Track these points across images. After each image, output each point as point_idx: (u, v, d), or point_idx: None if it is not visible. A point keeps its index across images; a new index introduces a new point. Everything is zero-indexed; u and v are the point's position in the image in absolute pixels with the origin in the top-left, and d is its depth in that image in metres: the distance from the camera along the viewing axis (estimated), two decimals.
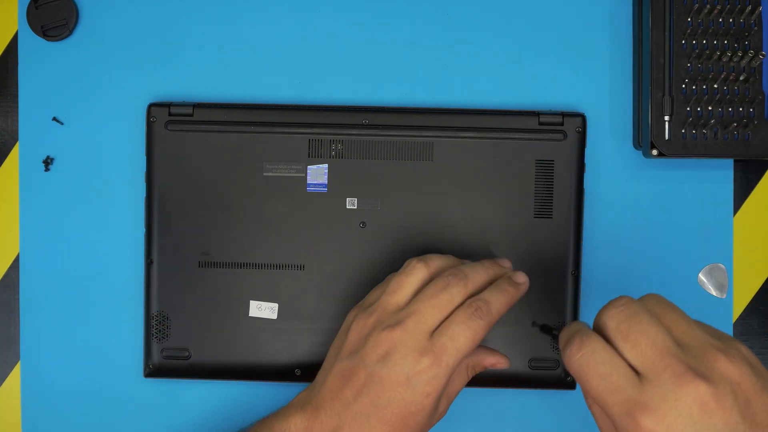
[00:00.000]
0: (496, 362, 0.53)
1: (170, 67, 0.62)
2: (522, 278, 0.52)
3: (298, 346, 0.60)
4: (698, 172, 0.62)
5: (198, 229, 0.60)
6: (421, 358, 0.48)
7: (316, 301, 0.60)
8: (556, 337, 0.48)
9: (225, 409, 0.62)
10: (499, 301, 0.50)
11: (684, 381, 0.39)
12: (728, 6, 0.58)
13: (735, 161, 0.62)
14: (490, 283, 0.52)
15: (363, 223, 0.60)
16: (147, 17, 0.62)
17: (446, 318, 0.49)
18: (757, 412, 0.39)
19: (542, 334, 0.53)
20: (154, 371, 0.60)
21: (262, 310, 0.60)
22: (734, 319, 0.62)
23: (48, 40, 0.62)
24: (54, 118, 0.61)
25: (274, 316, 0.60)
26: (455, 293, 0.50)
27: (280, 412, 0.52)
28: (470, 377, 0.53)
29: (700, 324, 0.43)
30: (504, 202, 0.60)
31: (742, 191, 0.63)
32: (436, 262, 0.52)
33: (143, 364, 0.61)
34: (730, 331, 0.62)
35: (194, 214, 0.60)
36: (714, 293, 0.62)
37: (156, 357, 0.60)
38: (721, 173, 0.62)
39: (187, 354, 0.60)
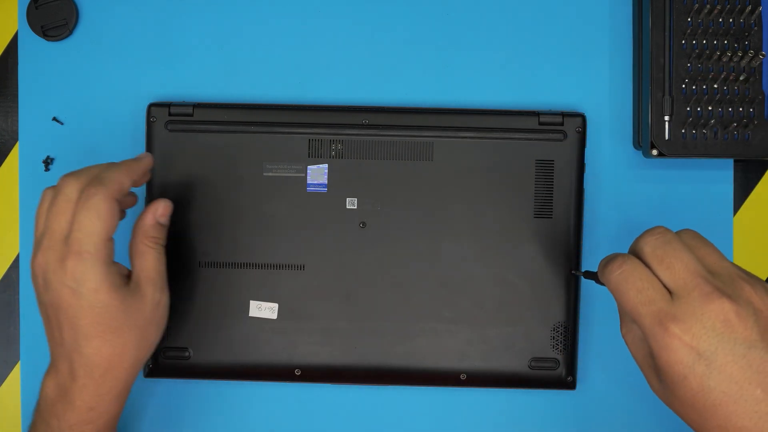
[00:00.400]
0: (155, 212, 0.54)
1: (170, 67, 0.62)
2: (143, 155, 0.55)
3: (298, 346, 0.60)
4: (698, 172, 0.62)
5: (198, 229, 0.60)
6: (65, 264, 0.49)
7: (316, 301, 0.60)
8: (595, 278, 0.51)
9: (225, 409, 0.62)
10: (113, 171, 0.51)
11: (711, 299, 0.43)
12: (728, 6, 0.58)
13: (735, 161, 0.62)
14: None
15: (363, 223, 0.60)
16: (147, 17, 0.62)
17: None
18: None
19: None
20: (154, 371, 0.60)
21: (262, 310, 0.60)
22: None
23: (48, 40, 0.62)
24: (54, 118, 0.61)
25: (274, 316, 0.60)
26: (68, 191, 0.50)
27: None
28: (156, 247, 0.54)
29: (731, 262, 0.47)
30: (504, 202, 0.60)
31: (742, 191, 0.63)
32: (61, 178, 0.52)
33: (143, 364, 0.61)
34: None
35: (194, 214, 0.60)
36: None
37: (156, 357, 0.60)
38: (721, 173, 0.62)
39: (187, 354, 0.60)
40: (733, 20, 0.59)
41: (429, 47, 0.62)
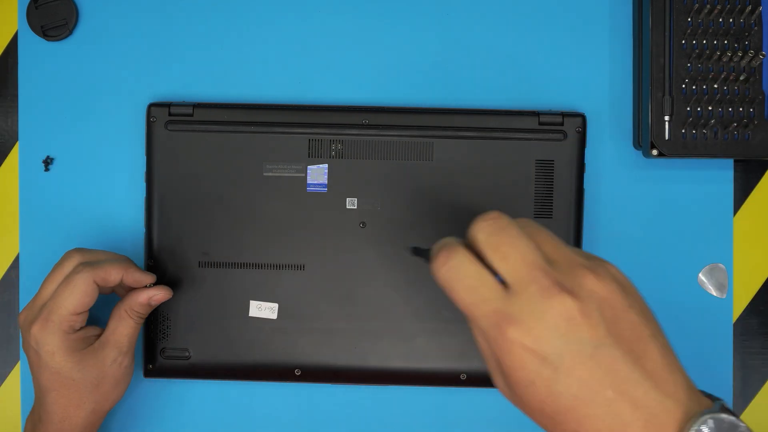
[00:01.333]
0: (151, 296, 0.57)
1: (170, 67, 0.62)
2: (158, 288, 0.58)
3: (298, 346, 0.60)
4: (698, 172, 0.62)
5: (198, 229, 0.60)
6: (32, 327, 0.54)
7: (316, 301, 0.60)
8: (416, 254, 0.47)
9: (225, 409, 0.62)
10: (110, 262, 0.55)
11: (550, 294, 0.39)
12: (728, 6, 0.58)
13: (735, 161, 0.62)
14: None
15: (363, 223, 0.60)
16: (147, 17, 0.62)
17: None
18: (624, 328, 0.39)
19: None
20: (154, 371, 0.60)
21: (262, 310, 0.60)
22: (734, 319, 0.63)
23: (48, 40, 0.62)
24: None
25: (274, 316, 0.60)
26: (66, 264, 0.56)
27: None
28: (136, 319, 0.56)
29: (569, 246, 0.42)
30: (504, 202, 0.60)
31: (742, 191, 0.63)
32: (69, 251, 0.57)
33: (143, 364, 0.61)
34: (730, 331, 0.62)
35: (194, 214, 0.60)
36: (714, 293, 0.62)
37: (156, 357, 0.60)
38: (721, 173, 0.62)
39: (187, 354, 0.60)
40: (733, 20, 0.59)
41: (429, 47, 0.62)
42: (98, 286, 0.55)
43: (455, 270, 0.41)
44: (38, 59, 0.62)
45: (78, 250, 0.56)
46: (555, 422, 0.40)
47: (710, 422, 0.38)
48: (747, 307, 0.63)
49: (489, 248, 0.41)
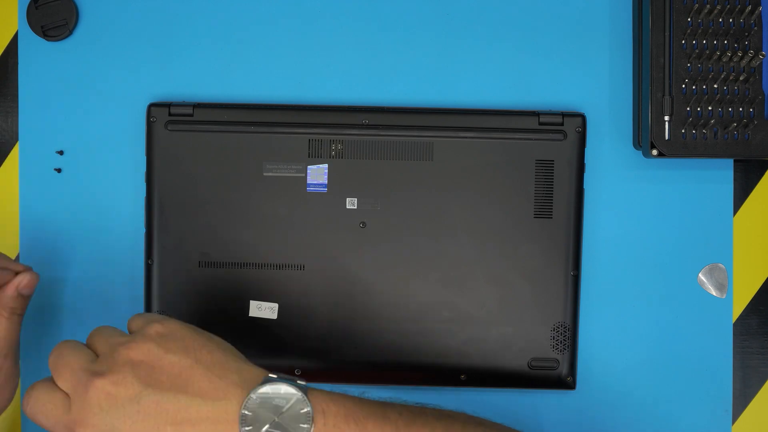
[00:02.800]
0: (18, 284, 0.54)
1: (170, 67, 0.62)
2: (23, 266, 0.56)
3: (298, 346, 0.60)
4: (698, 172, 0.62)
5: (198, 229, 0.60)
6: None
7: (316, 301, 0.60)
8: None
9: None
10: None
11: (88, 386, 0.45)
12: (728, 6, 0.58)
13: (735, 161, 0.62)
14: None
15: (363, 223, 0.60)
16: (147, 17, 0.62)
17: None
18: (162, 373, 0.46)
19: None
20: None
21: (262, 310, 0.60)
22: (734, 319, 0.62)
23: (48, 40, 0.62)
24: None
25: (274, 316, 0.60)
26: None
27: None
28: (11, 317, 0.54)
29: (133, 325, 0.49)
30: (504, 202, 0.60)
31: (742, 191, 0.63)
32: None
33: None
34: (729, 331, 0.62)
35: (194, 214, 0.60)
36: (714, 293, 0.62)
37: None
38: (721, 173, 0.62)
39: None
40: (733, 20, 0.59)
41: (429, 47, 0.62)
42: None
43: (35, 402, 0.47)
44: (38, 59, 0.62)
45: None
46: None
47: (262, 390, 0.46)
48: (747, 307, 0.63)
49: (53, 372, 0.47)
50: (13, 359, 0.55)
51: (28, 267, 0.55)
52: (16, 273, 0.54)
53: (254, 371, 0.48)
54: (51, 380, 0.47)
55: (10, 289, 0.54)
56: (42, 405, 0.46)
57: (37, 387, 0.47)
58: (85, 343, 0.49)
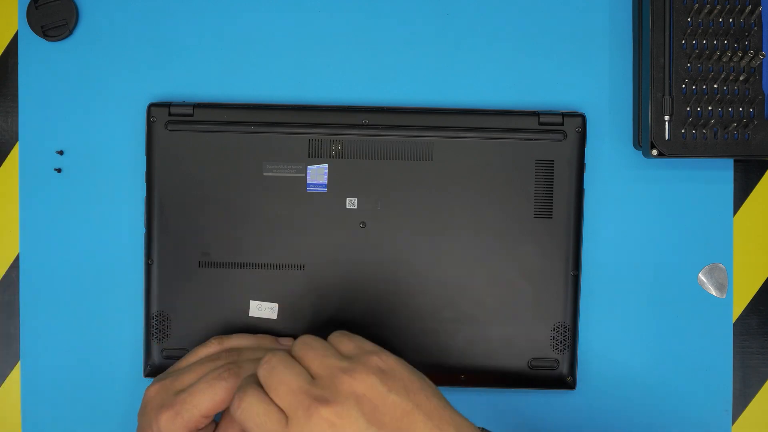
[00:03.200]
0: None
1: (170, 67, 0.62)
2: None
3: None
4: (698, 172, 0.62)
5: (198, 229, 0.60)
6: (163, 411, 0.52)
7: (316, 301, 0.60)
8: None
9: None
10: (254, 355, 0.54)
11: (311, 412, 0.45)
12: (728, 6, 0.58)
13: (735, 161, 0.62)
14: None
15: (363, 223, 0.60)
16: (147, 17, 0.62)
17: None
18: (385, 413, 0.45)
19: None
20: (154, 371, 0.60)
21: (262, 310, 0.60)
22: (734, 319, 0.63)
23: (48, 40, 0.62)
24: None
25: (274, 316, 0.60)
26: (216, 356, 0.55)
27: None
28: None
29: (344, 348, 0.49)
30: (504, 202, 0.60)
31: (742, 191, 0.63)
32: (234, 341, 0.57)
33: (143, 364, 0.61)
34: (729, 331, 0.62)
35: (194, 214, 0.60)
36: (714, 293, 0.62)
37: (156, 357, 0.60)
38: (721, 173, 0.62)
39: None
40: (733, 20, 0.59)
41: (429, 47, 0.62)
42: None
43: (247, 409, 0.46)
44: (38, 59, 0.62)
45: (234, 342, 0.56)
46: None
47: None
48: (747, 307, 0.63)
49: (267, 388, 0.47)
50: None
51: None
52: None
53: (468, 424, 0.47)
54: (262, 390, 0.47)
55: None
56: (255, 415, 0.46)
57: (249, 395, 0.47)
58: (291, 353, 0.49)
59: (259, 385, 0.47)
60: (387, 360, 0.48)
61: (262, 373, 0.47)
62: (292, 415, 0.45)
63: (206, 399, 0.52)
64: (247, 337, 0.58)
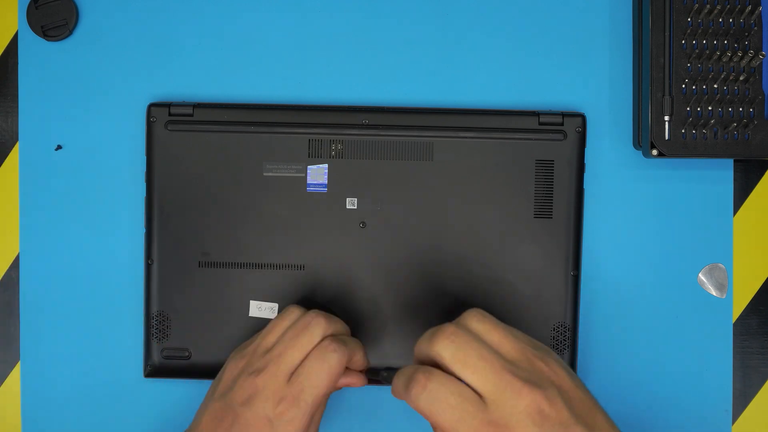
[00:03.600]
0: (348, 383, 0.55)
1: (170, 67, 0.62)
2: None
3: None
4: (698, 172, 0.62)
5: (198, 229, 0.60)
6: (280, 402, 0.50)
7: (316, 301, 0.60)
8: (386, 380, 0.50)
9: None
10: (355, 342, 0.53)
11: (521, 393, 0.43)
12: (728, 6, 0.58)
13: (735, 161, 0.62)
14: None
15: (363, 223, 0.60)
16: (147, 17, 0.62)
17: (305, 359, 0.51)
18: (577, 406, 0.44)
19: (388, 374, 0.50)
20: (154, 371, 0.60)
21: (262, 310, 0.60)
22: (734, 319, 0.63)
23: (48, 40, 0.62)
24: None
25: (274, 316, 0.60)
26: (315, 332, 0.52)
27: None
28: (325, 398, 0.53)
29: (518, 335, 0.47)
30: (504, 202, 0.60)
31: (742, 191, 0.63)
32: (314, 314, 0.53)
33: (143, 364, 0.61)
34: (730, 331, 0.62)
35: (194, 214, 0.60)
36: (714, 293, 0.62)
37: (156, 357, 0.60)
38: (721, 173, 0.62)
39: (187, 354, 0.60)
40: (733, 20, 0.59)
41: (429, 47, 0.62)
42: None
43: (437, 391, 0.43)
44: (38, 59, 0.62)
45: (323, 314, 0.53)
46: None
47: None
48: (747, 307, 0.63)
49: (457, 364, 0.44)
50: (316, 426, 0.53)
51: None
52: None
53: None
54: (444, 372, 0.44)
55: (341, 384, 0.54)
56: (449, 395, 0.43)
57: (436, 376, 0.43)
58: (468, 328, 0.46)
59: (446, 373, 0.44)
60: (561, 359, 0.47)
61: (450, 347, 0.44)
62: (496, 396, 0.43)
63: (324, 376, 0.50)
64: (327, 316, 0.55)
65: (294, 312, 0.54)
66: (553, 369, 0.45)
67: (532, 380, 0.43)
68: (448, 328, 0.45)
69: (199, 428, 0.52)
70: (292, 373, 0.51)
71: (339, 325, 0.54)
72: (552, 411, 0.43)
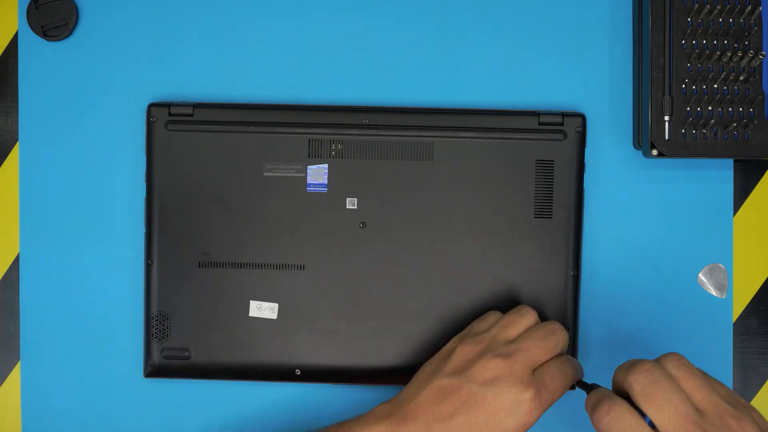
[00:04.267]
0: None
1: (170, 67, 0.62)
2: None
3: (298, 346, 0.60)
4: (698, 172, 0.62)
5: (198, 229, 0.60)
6: (527, 390, 0.51)
7: (316, 301, 0.60)
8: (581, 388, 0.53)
9: (225, 409, 0.62)
10: (580, 366, 0.56)
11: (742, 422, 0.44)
12: (728, 6, 0.58)
13: (735, 161, 0.62)
14: None
15: (363, 223, 0.60)
16: (147, 17, 0.62)
17: (546, 361, 0.53)
18: None
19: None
20: (154, 371, 0.60)
21: (262, 310, 0.60)
22: (734, 319, 0.63)
23: (48, 40, 0.62)
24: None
25: (274, 316, 0.60)
26: (560, 341, 0.54)
27: (361, 419, 0.53)
28: None
29: (717, 388, 0.47)
30: (504, 202, 0.60)
31: (742, 191, 0.63)
32: (559, 325, 0.55)
33: (143, 364, 0.61)
34: (730, 331, 0.62)
35: (194, 214, 0.60)
36: (714, 293, 0.62)
37: (156, 357, 0.60)
38: (721, 173, 0.62)
39: (187, 354, 0.60)
40: (733, 20, 0.59)
41: (429, 47, 0.62)
42: None
43: (616, 420, 0.46)
44: (38, 59, 0.62)
45: (560, 326, 0.54)
46: None
47: None
48: (747, 307, 0.63)
49: (644, 399, 0.46)
50: None
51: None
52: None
53: None
54: (629, 405, 0.46)
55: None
56: (628, 429, 0.46)
57: (620, 405, 0.46)
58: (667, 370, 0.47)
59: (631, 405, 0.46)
60: (762, 418, 0.47)
61: (642, 381, 0.46)
62: None
63: (562, 384, 0.52)
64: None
65: (532, 313, 0.55)
66: (744, 428, 0.45)
67: None
68: (646, 364, 0.47)
69: (416, 401, 0.52)
70: (535, 370, 0.52)
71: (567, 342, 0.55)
72: None
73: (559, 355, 0.54)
